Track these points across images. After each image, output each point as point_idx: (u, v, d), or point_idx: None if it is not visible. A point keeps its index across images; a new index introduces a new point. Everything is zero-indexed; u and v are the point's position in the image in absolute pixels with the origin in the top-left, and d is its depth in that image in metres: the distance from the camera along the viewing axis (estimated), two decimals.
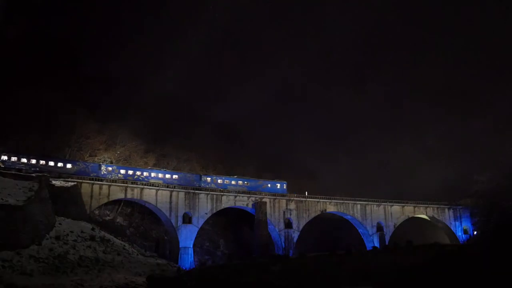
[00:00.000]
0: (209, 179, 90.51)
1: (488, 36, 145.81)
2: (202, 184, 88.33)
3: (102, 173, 79.64)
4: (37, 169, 71.45)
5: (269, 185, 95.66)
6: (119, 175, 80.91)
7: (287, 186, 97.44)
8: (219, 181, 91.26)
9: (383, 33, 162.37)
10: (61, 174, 72.86)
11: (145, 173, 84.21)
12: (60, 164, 75.90)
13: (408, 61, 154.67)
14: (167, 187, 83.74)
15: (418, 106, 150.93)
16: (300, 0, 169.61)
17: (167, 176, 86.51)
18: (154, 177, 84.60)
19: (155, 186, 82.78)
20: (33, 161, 73.17)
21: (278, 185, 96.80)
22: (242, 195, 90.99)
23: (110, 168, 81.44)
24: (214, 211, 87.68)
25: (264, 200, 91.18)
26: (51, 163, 74.92)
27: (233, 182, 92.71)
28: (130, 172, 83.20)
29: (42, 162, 73.84)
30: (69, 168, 76.47)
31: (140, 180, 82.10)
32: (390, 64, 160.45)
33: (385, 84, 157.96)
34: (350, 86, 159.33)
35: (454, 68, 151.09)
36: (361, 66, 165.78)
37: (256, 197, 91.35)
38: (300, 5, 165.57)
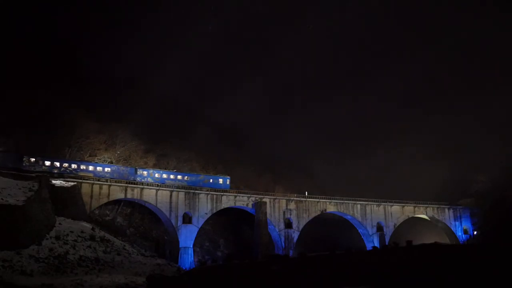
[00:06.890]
0: (145, 172, 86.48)
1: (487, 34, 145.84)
2: (138, 178, 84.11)
3: (24, 164, 74.22)
4: None
5: (211, 180, 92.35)
6: (43, 167, 75.70)
7: (230, 182, 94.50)
8: (156, 175, 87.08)
9: (382, 35, 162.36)
10: None
11: (73, 165, 79.49)
12: None
13: (405, 61, 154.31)
14: (167, 187, 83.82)
15: (417, 106, 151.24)
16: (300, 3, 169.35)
17: (99, 168, 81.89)
18: (84, 170, 79.98)
19: (155, 186, 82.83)
20: None
21: (221, 180, 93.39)
22: (242, 195, 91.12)
23: (32, 159, 75.73)
24: (214, 211, 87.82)
25: (264, 200, 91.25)
26: None
27: (171, 177, 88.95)
28: (57, 163, 77.84)
29: None
30: None
31: (68, 173, 77.31)
32: (389, 64, 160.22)
33: (384, 85, 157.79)
34: (350, 88, 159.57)
35: (453, 66, 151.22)
36: (360, 67, 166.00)
37: (256, 197, 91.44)
38: (299, 7, 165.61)
